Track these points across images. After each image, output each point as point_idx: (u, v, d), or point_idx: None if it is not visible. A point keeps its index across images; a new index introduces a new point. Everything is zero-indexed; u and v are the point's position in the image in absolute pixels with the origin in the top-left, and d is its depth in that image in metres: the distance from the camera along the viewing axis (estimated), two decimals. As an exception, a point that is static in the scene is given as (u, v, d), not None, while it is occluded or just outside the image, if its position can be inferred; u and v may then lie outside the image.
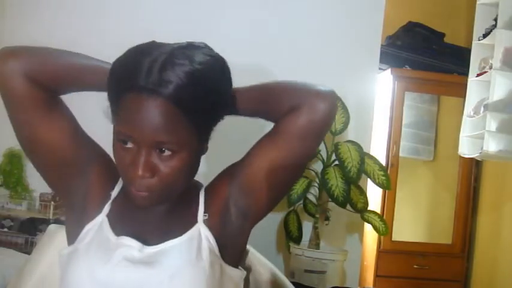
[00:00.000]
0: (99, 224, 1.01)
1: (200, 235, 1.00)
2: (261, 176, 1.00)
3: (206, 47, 0.96)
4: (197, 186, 1.08)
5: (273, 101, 0.99)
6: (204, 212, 1.03)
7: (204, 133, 0.97)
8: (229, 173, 1.05)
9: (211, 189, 1.07)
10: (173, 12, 2.44)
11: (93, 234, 1.00)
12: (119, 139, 0.92)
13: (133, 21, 2.41)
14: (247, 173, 1.01)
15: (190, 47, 0.93)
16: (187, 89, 0.88)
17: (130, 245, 0.97)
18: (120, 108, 0.91)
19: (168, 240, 0.99)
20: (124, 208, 1.03)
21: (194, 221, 1.02)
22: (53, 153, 1.00)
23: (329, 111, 0.96)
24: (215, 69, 0.94)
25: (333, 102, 0.97)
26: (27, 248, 2.27)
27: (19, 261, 1.77)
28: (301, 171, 1.09)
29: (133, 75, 0.88)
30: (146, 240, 0.99)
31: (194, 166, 0.99)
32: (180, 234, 0.99)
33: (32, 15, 2.37)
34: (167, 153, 0.91)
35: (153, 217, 1.03)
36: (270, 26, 2.52)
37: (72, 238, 1.04)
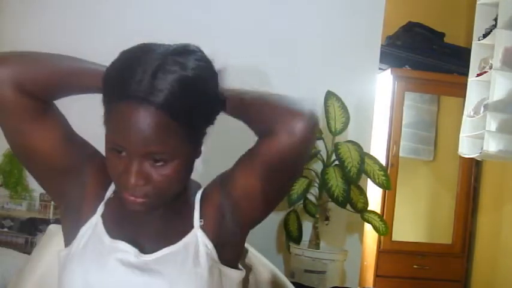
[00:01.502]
0: (94, 225, 1.00)
1: (197, 240, 0.99)
2: (246, 194, 0.99)
3: (199, 51, 0.95)
4: (193, 188, 1.07)
5: (254, 116, 0.98)
6: (200, 218, 1.02)
7: (196, 139, 0.96)
8: (220, 183, 1.04)
9: (206, 194, 1.05)
10: (174, 12, 2.44)
11: (88, 236, 0.99)
12: (112, 148, 0.91)
13: (134, 20, 2.40)
14: (234, 187, 1.00)
15: (184, 51, 0.92)
16: (178, 97, 0.87)
17: (125, 250, 0.96)
18: (112, 117, 0.89)
19: (164, 247, 0.98)
20: (119, 209, 1.01)
21: (190, 226, 1.01)
22: (45, 161, 0.99)
23: (305, 135, 0.92)
24: (206, 75, 0.93)
25: (310, 124, 0.93)
26: (27, 248, 2.27)
27: (19, 261, 1.77)
28: (290, 186, 1.09)
29: (124, 83, 0.87)
30: (142, 245, 0.98)
31: (188, 171, 0.98)
32: (177, 240, 0.99)
33: (31, 14, 2.37)
34: (160, 163, 0.90)
35: (149, 220, 1.02)
36: (270, 26, 2.51)
37: (68, 240, 1.03)
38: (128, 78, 0.87)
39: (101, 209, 1.02)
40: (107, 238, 0.98)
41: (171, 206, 1.01)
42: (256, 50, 2.43)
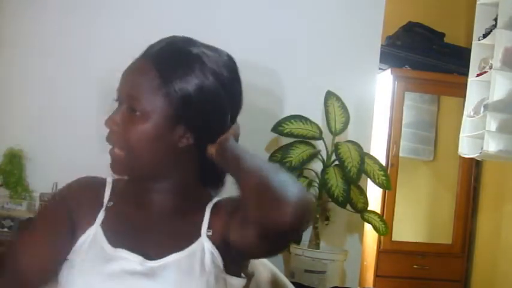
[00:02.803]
0: (94, 234, 0.99)
1: (203, 248, 0.98)
2: (241, 240, 0.95)
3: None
4: (206, 197, 1.07)
5: (243, 184, 0.90)
6: (209, 228, 1.01)
7: (180, 114, 0.96)
8: (227, 210, 1.01)
9: (218, 207, 1.04)
10: (174, 12, 2.44)
11: (88, 246, 0.98)
12: (115, 99, 1.00)
13: (134, 20, 2.40)
14: (233, 228, 0.97)
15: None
16: (168, 54, 0.97)
17: (129, 259, 0.95)
18: None
19: (170, 253, 0.97)
20: (120, 216, 1.01)
21: (198, 234, 1.00)
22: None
23: (290, 229, 0.84)
24: (204, 62, 0.98)
25: (296, 217, 0.83)
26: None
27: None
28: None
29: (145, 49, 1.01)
30: (146, 252, 0.97)
31: (163, 146, 0.98)
32: (183, 248, 0.98)
33: (31, 14, 2.37)
34: (138, 113, 0.95)
35: (154, 226, 1.01)
36: (270, 26, 2.51)
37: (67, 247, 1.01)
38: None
39: (100, 217, 1.01)
40: (108, 247, 0.97)
41: (179, 210, 1.01)
42: (256, 50, 2.43)
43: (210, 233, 1.00)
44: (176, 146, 0.99)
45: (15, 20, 2.36)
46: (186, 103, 0.96)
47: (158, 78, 0.95)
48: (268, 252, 1.01)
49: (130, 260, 0.95)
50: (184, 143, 0.99)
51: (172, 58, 0.97)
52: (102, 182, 1.07)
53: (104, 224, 1.00)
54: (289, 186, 0.85)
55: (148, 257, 0.97)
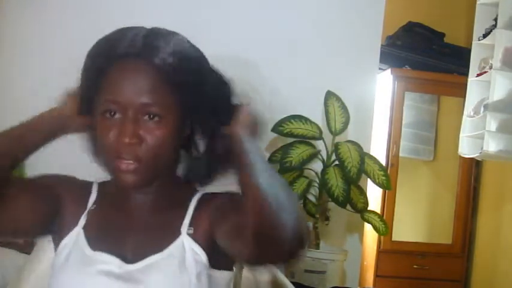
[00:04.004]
0: (75, 237, 0.98)
1: (184, 247, 0.95)
2: (232, 250, 0.93)
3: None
4: (189, 192, 1.02)
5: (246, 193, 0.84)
6: (190, 225, 0.97)
7: (188, 106, 0.94)
8: (217, 206, 0.97)
9: (203, 203, 1.00)
10: (174, 12, 2.44)
11: (69, 249, 0.97)
12: (105, 110, 0.91)
13: (134, 20, 2.40)
14: (223, 231, 0.93)
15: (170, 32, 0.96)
16: (170, 53, 0.90)
17: (108, 262, 0.94)
18: (105, 79, 0.92)
19: (148, 255, 0.94)
20: (101, 219, 1.00)
21: (178, 232, 0.96)
22: (27, 228, 0.98)
23: (290, 259, 0.83)
24: (198, 52, 0.96)
25: (298, 250, 0.81)
26: (27, 248, 2.27)
27: (19, 261, 1.77)
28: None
29: (117, 45, 0.91)
30: (125, 255, 0.95)
31: (177, 141, 0.95)
32: (162, 248, 0.95)
33: (31, 14, 2.37)
34: (155, 119, 0.90)
35: (134, 227, 0.99)
36: (270, 26, 2.52)
37: (55, 248, 1.02)
38: (119, 41, 0.92)
39: (82, 220, 0.99)
40: (88, 250, 0.96)
41: (159, 209, 0.99)
42: (256, 50, 2.43)
43: (191, 231, 0.96)
44: (182, 136, 0.97)
45: (15, 20, 2.36)
46: (186, 84, 0.93)
47: (166, 79, 0.91)
48: (256, 265, 0.97)
49: (109, 262, 0.94)
50: (187, 132, 0.98)
51: (177, 59, 0.91)
52: (88, 185, 1.05)
53: (86, 227, 0.99)
54: (293, 217, 0.80)
55: (127, 260, 0.95)
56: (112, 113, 0.91)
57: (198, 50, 0.97)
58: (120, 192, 1.01)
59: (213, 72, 0.97)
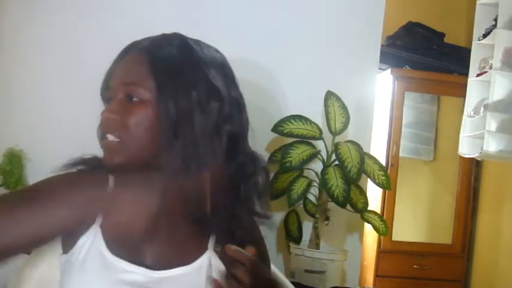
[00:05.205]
0: (93, 236, 0.95)
1: (210, 264, 0.94)
2: None
3: None
4: None
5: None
6: (217, 241, 0.96)
7: (171, 101, 0.93)
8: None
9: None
10: (173, 12, 2.44)
11: (87, 248, 0.94)
12: (102, 99, 1.02)
13: (134, 20, 2.40)
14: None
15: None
16: (159, 45, 0.97)
17: (131, 271, 0.92)
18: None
19: (175, 266, 0.93)
20: (121, 220, 0.97)
21: (205, 247, 0.96)
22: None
23: None
24: (191, 54, 0.98)
25: None
26: (27, 248, 2.26)
27: (19, 261, 1.77)
28: None
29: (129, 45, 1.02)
30: (149, 262, 0.93)
31: (158, 133, 0.93)
32: (189, 261, 0.94)
33: (31, 14, 2.37)
34: (134, 100, 0.94)
35: (157, 230, 0.96)
36: (270, 26, 2.51)
37: (66, 246, 0.99)
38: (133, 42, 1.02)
39: (99, 218, 0.96)
40: (107, 252, 0.93)
41: (187, 216, 0.97)
42: (256, 50, 2.43)
43: (218, 248, 0.95)
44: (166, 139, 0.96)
45: (15, 20, 2.36)
46: (168, 73, 0.95)
47: (152, 67, 0.95)
48: None
49: (133, 272, 0.92)
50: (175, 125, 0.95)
51: (164, 50, 0.97)
52: (102, 180, 0.99)
53: (103, 227, 0.96)
54: None
55: (151, 265, 0.93)
56: (107, 100, 1.00)
57: (198, 52, 0.98)
58: (141, 191, 0.98)
59: (206, 80, 0.96)
